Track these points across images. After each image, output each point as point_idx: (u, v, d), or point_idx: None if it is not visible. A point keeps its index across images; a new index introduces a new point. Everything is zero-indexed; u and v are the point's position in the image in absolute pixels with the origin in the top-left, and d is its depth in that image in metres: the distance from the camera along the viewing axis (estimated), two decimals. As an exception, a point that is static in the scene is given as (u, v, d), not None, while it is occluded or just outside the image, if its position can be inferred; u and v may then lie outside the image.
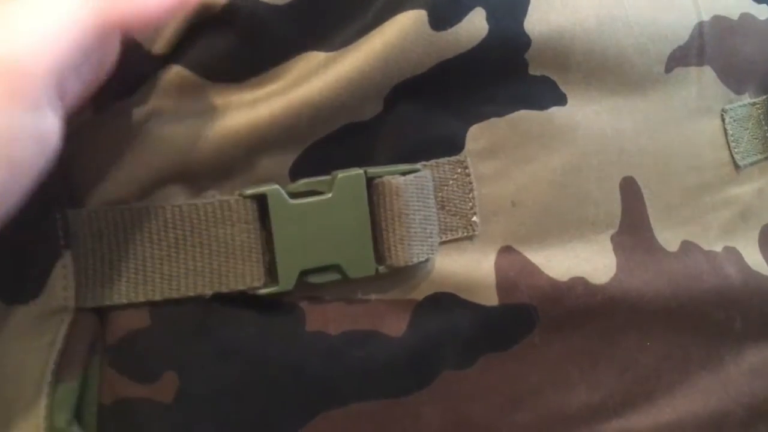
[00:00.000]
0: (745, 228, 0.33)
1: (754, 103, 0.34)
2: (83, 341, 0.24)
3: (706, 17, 0.32)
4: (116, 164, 0.24)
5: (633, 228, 0.30)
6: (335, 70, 0.25)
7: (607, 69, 0.29)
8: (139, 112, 0.24)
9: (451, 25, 0.25)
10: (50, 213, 0.24)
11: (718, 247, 0.32)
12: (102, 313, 0.24)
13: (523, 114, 0.27)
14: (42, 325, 0.23)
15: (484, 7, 0.26)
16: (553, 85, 0.28)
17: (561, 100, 0.28)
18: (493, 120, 0.27)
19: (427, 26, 0.25)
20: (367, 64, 0.25)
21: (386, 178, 0.25)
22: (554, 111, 0.28)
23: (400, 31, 0.25)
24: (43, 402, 0.23)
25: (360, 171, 0.25)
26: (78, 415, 0.24)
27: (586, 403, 0.29)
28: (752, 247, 0.33)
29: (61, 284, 0.24)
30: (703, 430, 0.31)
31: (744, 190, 0.33)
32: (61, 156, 0.21)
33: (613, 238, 0.29)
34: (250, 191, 0.24)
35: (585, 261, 0.29)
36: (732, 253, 0.32)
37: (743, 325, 0.32)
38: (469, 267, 0.27)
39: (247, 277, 0.24)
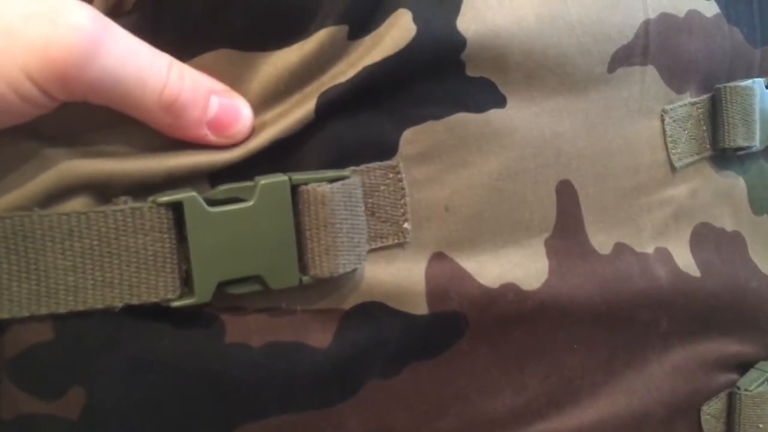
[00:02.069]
0: (677, 229, 0.33)
1: (694, 103, 0.33)
2: None
3: (653, 15, 0.31)
4: (18, 169, 0.22)
5: (567, 232, 0.29)
6: (258, 81, 0.23)
7: (548, 69, 0.28)
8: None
9: (370, 32, 0.24)
10: None
11: (650, 249, 0.32)
12: (1, 325, 0.22)
13: (461, 117, 0.26)
14: None
15: (409, 8, 0.24)
16: (492, 87, 0.26)
17: (500, 102, 0.27)
18: (430, 123, 0.25)
19: (344, 38, 0.23)
20: (284, 76, 0.23)
21: (312, 186, 0.23)
22: (492, 113, 0.26)
23: (316, 44, 0.23)
24: None
25: (284, 177, 0.23)
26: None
27: (510, 406, 0.28)
28: (683, 247, 0.33)
29: None
30: (624, 430, 0.31)
31: (678, 191, 0.33)
32: None
33: (546, 242, 0.28)
34: (164, 198, 0.22)
35: (517, 266, 0.28)
36: (663, 254, 0.32)
37: (669, 325, 0.32)
38: (399, 276, 0.25)
39: (161, 289, 0.22)
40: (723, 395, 0.35)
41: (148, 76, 0.22)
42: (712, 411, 0.35)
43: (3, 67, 0.20)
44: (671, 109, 0.32)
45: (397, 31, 0.24)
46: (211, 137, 0.23)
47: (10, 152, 0.22)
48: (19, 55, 0.20)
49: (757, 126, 0.34)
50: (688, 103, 0.33)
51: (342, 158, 0.24)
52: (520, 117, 0.27)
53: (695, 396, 0.34)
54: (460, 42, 0.25)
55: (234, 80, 0.23)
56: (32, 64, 0.20)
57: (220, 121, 0.23)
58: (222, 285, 0.23)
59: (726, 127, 0.33)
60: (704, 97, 0.33)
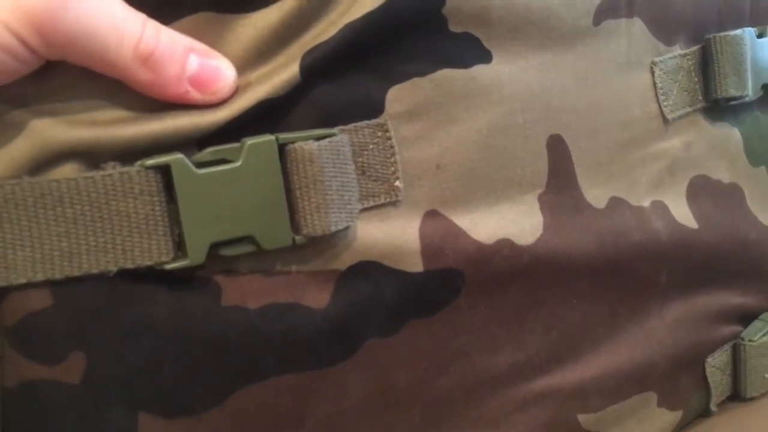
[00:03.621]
0: (673, 182, 0.32)
1: (684, 55, 0.33)
2: None
3: None
4: (3, 140, 0.22)
5: (560, 187, 0.28)
6: (239, 43, 0.23)
7: (532, 23, 0.27)
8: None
9: None
10: None
11: (645, 202, 0.31)
12: None
13: (446, 73, 0.25)
14: None
15: None
16: (476, 43, 0.26)
17: (485, 57, 0.26)
18: (415, 80, 0.25)
19: None
20: (265, 36, 0.23)
21: (299, 144, 0.23)
22: (478, 69, 0.26)
23: (295, 2, 0.23)
24: None
25: (271, 137, 0.23)
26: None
27: (511, 363, 0.28)
28: (679, 200, 0.32)
29: None
30: (628, 383, 0.31)
31: (672, 143, 0.32)
32: None
33: (540, 198, 0.28)
34: (151, 161, 0.22)
35: (511, 222, 0.27)
36: (659, 207, 0.31)
37: (668, 278, 0.32)
38: (393, 234, 0.25)
39: (154, 252, 0.22)
40: (727, 347, 0.34)
41: (123, 28, 0.21)
42: (716, 363, 0.34)
43: None
44: (661, 61, 0.31)
45: None
46: (194, 94, 0.22)
47: None
48: None
49: (749, 75, 0.33)
50: (678, 54, 0.32)
51: (329, 119, 0.24)
52: (507, 72, 0.27)
53: (698, 348, 0.33)
54: None
55: (215, 43, 0.23)
56: (7, 11, 0.20)
57: (202, 77, 0.22)
58: (215, 247, 0.23)
59: (717, 78, 0.33)
60: (694, 48, 0.33)
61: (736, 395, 0.35)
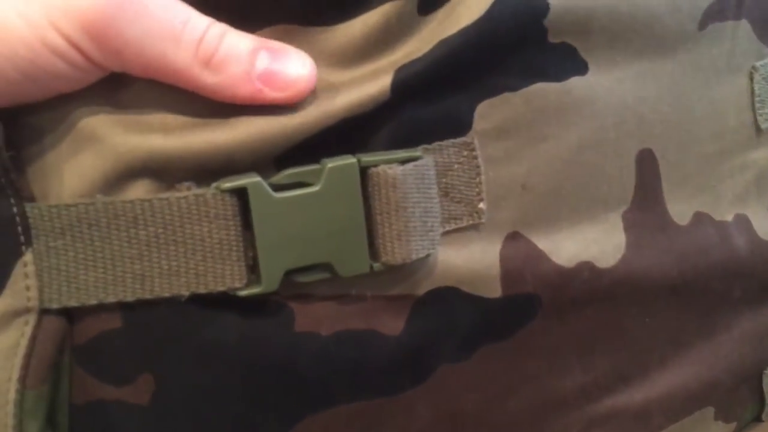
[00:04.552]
0: (758, 193, 0.30)
1: (786, 57, 0.30)
2: (51, 343, 0.21)
3: None
4: (76, 155, 0.20)
5: (645, 204, 0.27)
6: (320, 56, 0.21)
7: (634, 30, 0.24)
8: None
9: (442, 5, 0.21)
10: (6, 208, 0.20)
11: (729, 216, 0.29)
12: (70, 313, 0.21)
13: (539, 87, 0.23)
14: (4, 327, 0.20)
15: None
16: (573, 52, 0.24)
17: (581, 68, 0.24)
18: (507, 95, 0.23)
19: (414, 11, 0.21)
20: (348, 50, 0.21)
21: (382, 168, 0.21)
22: (573, 81, 0.24)
23: (381, 17, 0.21)
24: (10, 410, 0.20)
25: (353, 159, 0.21)
26: (50, 420, 0.21)
27: (580, 384, 0.27)
28: (762, 212, 0.30)
29: (23, 284, 0.20)
30: (692, 401, 0.30)
31: (761, 154, 0.30)
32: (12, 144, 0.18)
33: (624, 216, 0.26)
34: (228, 184, 0.20)
35: (593, 243, 0.26)
36: (742, 221, 0.30)
37: (742, 293, 0.30)
38: (473, 259, 0.23)
39: (227, 278, 0.21)
40: None
41: (181, 31, 0.20)
42: None
43: (29, 16, 0.19)
44: (762, 66, 0.29)
45: (472, 1, 0.21)
46: (267, 92, 0.20)
47: (68, 131, 0.21)
48: (42, 1, 0.19)
49: None
50: None
51: (413, 135, 0.22)
52: (602, 84, 0.24)
53: (762, 362, 0.32)
54: (543, 7, 0.22)
55: None
56: (59, 16, 0.19)
57: (274, 73, 0.20)
58: (290, 273, 0.21)
59: (818, 84, 0.30)
60: None
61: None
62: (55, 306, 0.21)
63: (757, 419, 0.34)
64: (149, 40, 0.20)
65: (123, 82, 0.21)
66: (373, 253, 0.22)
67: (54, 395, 0.21)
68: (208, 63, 0.20)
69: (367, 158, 0.21)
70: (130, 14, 0.19)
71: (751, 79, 0.29)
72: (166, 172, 0.21)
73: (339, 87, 0.22)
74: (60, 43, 0.19)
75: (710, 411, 0.31)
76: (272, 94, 0.21)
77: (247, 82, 0.20)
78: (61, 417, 0.22)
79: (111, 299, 0.21)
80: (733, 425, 0.33)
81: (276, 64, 0.21)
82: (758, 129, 0.29)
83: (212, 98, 0.21)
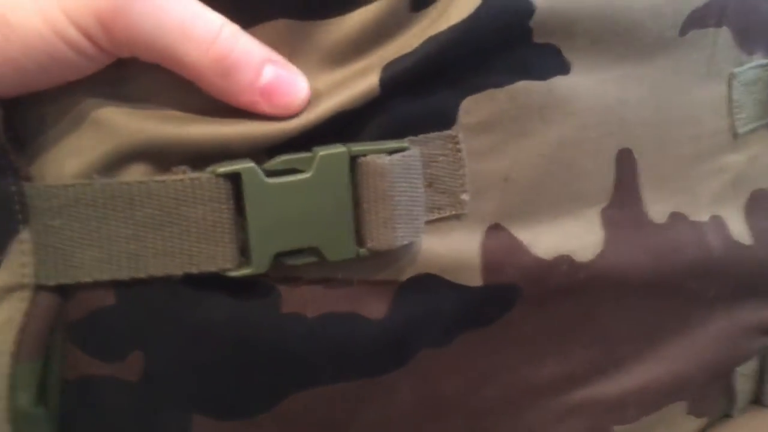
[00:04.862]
0: (734, 196, 0.31)
1: (764, 65, 0.31)
2: (45, 319, 0.21)
3: None
4: (76, 137, 0.21)
5: (624, 201, 0.27)
6: (316, 49, 0.22)
7: (617, 34, 0.25)
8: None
9: (433, 1, 0.22)
10: (4, 187, 0.21)
11: (705, 217, 0.30)
12: (64, 290, 0.22)
13: (523, 85, 0.24)
14: None
15: None
16: (557, 53, 0.24)
17: (564, 68, 0.25)
18: (491, 91, 0.24)
19: (406, 8, 0.22)
20: (343, 43, 0.21)
21: (371, 158, 0.22)
22: (556, 81, 0.25)
23: (376, 12, 0.21)
24: (3, 383, 0.21)
25: (343, 148, 0.22)
26: (41, 394, 0.22)
27: (555, 374, 0.28)
28: (738, 214, 0.31)
29: (19, 261, 0.21)
30: (664, 394, 0.31)
31: (738, 158, 0.31)
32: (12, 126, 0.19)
33: (602, 213, 0.27)
34: (223, 169, 0.21)
35: (572, 237, 0.26)
36: (718, 222, 0.31)
37: (716, 292, 0.31)
38: (455, 248, 0.24)
39: (219, 259, 0.22)
40: (756, 357, 0.34)
41: (193, 27, 0.20)
42: (745, 371, 0.34)
43: (43, 6, 0.19)
44: (740, 73, 0.30)
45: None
46: (263, 105, 0.21)
47: (70, 114, 0.21)
48: None
49: (827, 90, 0.32)
50: (757, 65, 0.30)
51: (401, 128, 0.23)
52: (584, 84, 0.25)
53: (734, 359, 0.33)
54: (528, 8, 0.23)
55: (291, 49, 0.22)
56: (72, 6, 0.20)
57: (274, 89, 0.21)
58: (279, 256, 0.22)
59: (794, 92, 0.31)
60: None
61: (756, 402, 0.36)
62: (50, 283, 0.21)
63: (728, 415, 0.35)
64: (160, 32, 0.20)
65: (127, 72, 0.21)
66: (360, 239, 0.23)
67: (46, 371, 0.22)
68: (219, 64, 0.21)
69: (356, 148, 0.22)
70: (143, 6, 0.20)
71: (730, 85, 0.30)
72: (163, 156, 0.21)
73: (333, 86, 0.22)
74: (74, 33, 0.20)
75: (683, 405, 0.32)
76: (268, 109, 0.22)
77: (250, 91, 0.21)
78: (52, 393, 0.22)
79: (105, 277, 0.21)
80: (704, 420, 0.34)
81: (278, 81, 0.21)
82: (735, 134, 0.30)
83: (213, 96, 0.22)
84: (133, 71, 0.21)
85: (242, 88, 0.21)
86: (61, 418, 0.22)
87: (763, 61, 0.31)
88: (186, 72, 0.21)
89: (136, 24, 0.20)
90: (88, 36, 0.20)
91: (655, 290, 0.29)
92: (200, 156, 0.21)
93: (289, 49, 0.22)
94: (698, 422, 0.33)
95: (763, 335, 0.35)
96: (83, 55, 0.20)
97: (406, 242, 0.23)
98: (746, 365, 0.34)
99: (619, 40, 0.26)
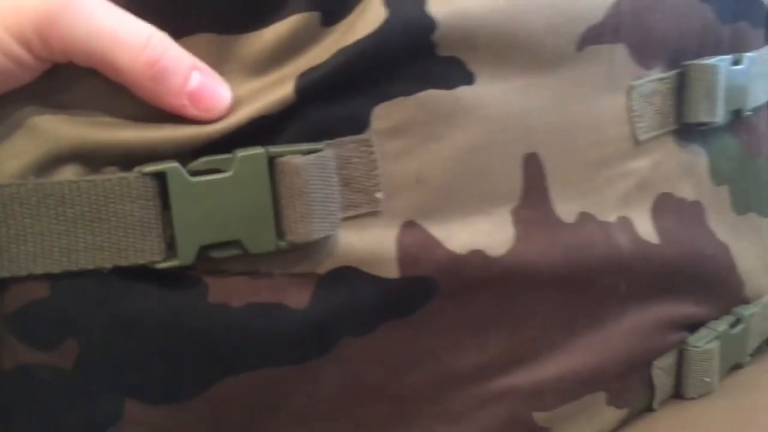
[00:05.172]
0: (640, 198, 0.34)
1: (662, 79, 0.33)
2: None
3: None
4: (12, 143, 0.23)
5: (532, 201, 0.30)
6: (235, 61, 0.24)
7: (516, 48, 0.28)
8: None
9: (343, 18, 0.24)
10: None
11: (612, 218, 0.32)
12: (1, 283, 0.23)
13: (430, 93, 0.26)
14: None
15: None
16: (460, 65, 0.27)
17: (468, 79, 0.27)
18: (401, 99, 0.26)
19: (317, 23, 0.24)
20: (260, 55, 0.23)
21: (287, 158, 0.24)
22: (461, 90, 0.27)
23: (290, 27, 0.24)
24: None
25: (261, 150, 0.24)
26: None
27: (475, 363, 0.29)
28: (644, 216, 0.34)
29: None
30: (581, 384, 0.33)
31: (642, 163, 0.33)
32: None
33: (513, 212, 0.29)
34: (149, 169, 0.23)
35: (485, 234, 0.28)
36: (625, 223, 0.33)
37: (628, 289, 0.33)
38: (372, 242, 0.26)
39: (147, 252, 0.23)
40: (674, 351, 0.36)
41: (126, 33, 0.22)
42: (662, 365, 0.36)
43: None
44: (638, 85, 0.32)
45: (369, 15, 0.24)
46: (190, 109, 0.23)
47: (7, 122, 0.23)
48: None
49: (720, 102, 0.34)
50: (655, 78, 0.33)
51: (317, 134, 0.25)
52: (489, 93, 0.28)
53: (649, 353, 0.35)
54: (430, 25, 0.25)
55: (214, 62, 0.24)
56: (9, 17, 0.21)
57: (200, 94, 0.23)
58: (204, 249, 0.24)
59: (690, 103, 0.34)
60: (671, 73, 0.34)
61: (678, 395, 0.38)
62: None
63: (650, 408, 0.37)
64: (94, 38, 0.22)
65: (60, 81, 0.23)
66: (280, 233, 0.25)
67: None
68: (150, 68, 0.23)
69: (274, 149, 0.24)
70: (75, 14, 0.22)
71: (629, 96, 0.32)
72: (94, 159, 0.23)
73: (252, 94, 0.24)
74: (14, 45, 0.21)
75: (602, 396, 0.34)
76: (194, 112, 0.24)
77: (179, 95, 0.23)
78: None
79: (39, 271, 0.23)
80: (625, 411, 0.35)
81: (204, 87, 0.24)
82: (636, 141, 0.33)
83: (143, 99, 0.23)
84: (65, 80, 0.23)
85: (172, 91, 0.23)
86: (-2, 407, 0.24)
87: (661, 75, 0.34)
88: (119, 76, 0.23)
89: (71, 31, 0.22)
90: (27, 46, 0.22)
91: (568, 285, 0.31)
92: (129, 158, 0.23)
93: (212, 61, 0.24)
94: (619, 413, 0.35)
95: (679, 330, 0.37)
96: (21, 65, 0.22)
97: (323, 235, 0.25)
98: (663, 360, 0.36)
99: (519, 54, 0.28)
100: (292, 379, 0.26)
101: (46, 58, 0.22)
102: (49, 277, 0.23)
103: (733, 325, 0.38)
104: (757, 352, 0.42)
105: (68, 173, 0.23)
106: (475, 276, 0.28)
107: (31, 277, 0.23)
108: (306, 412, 0.26)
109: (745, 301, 0.39)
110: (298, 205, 0.24)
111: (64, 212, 0.23)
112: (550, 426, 0.32)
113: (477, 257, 0.28)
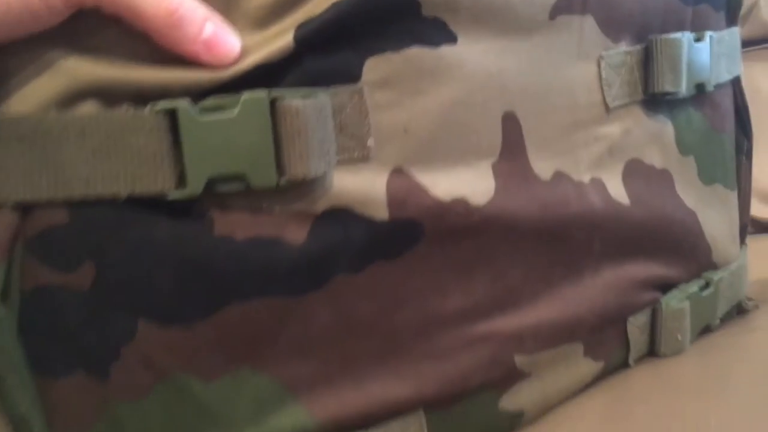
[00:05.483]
0: (611, 162, 0.36)
1: (628, 52, 0.36)
2: (6, 231, 0.25)
3: None
4: (36, 80, 0.25)
5: (511, 157, 0.32)
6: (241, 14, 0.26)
7: (494, 13, 0.31)
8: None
9: None
10: None
11: (585, 178, 0.35)
12: (23, 209, 0.25)
13: (416, 50, 0.29)
14: None
15: None
16: (444, 26, 0.30)
17: (452, 39, 0.30)
18: (389, 54, 0.28)
19: None
20: (264, 8, 0.26)
21: (288, 100, 0.26)
22: (445, 49, 0.30)
23: None
24: None
25: (264, 93, 0.26)
26: (4, 297, 0.25)
27: (459, 306, 0.31)
28: (616, 179, 0.36)
29: None
30: (559, 332, 0.35)
31: (612, 129, 0.36)
32: None
33: (493, 165, 0.32)
34: (162, 105, 0.25)
35: (467, 184, 0.31)
36: (597, 184, 0.35)
37: (601, 246, 0.36)
38: (364, 185, 0.28)
39: (159, 183, 0.25)
40: (648, 310, 0.39)
41: None
42: (637, 323, 0.38)
43: None
44: (607, 56, 0.35)
45: None
46: (204, 55, 0.26)
47: (28, 59, 0.25)
48: None
49: (684, 75, 0.37)
50: (623, 51, 0.36)
51: (314, 82, 0.27)
52: (469, 53, 0.30)
53: (623, 309, 0.38)
54: None
55: (222, 16, 0.27)
56: None
57: (214, 42, 0.26)
58: (211, 183, 0.26)
59: (656, 75, 0.37)
60: (638, 47, 0.37)
61: (652, 353, 0.40)
62: (11, 200, 0.25)
63: (626, 364, 0.39)
64: None
65: (85, 25, 0.25)
66: (280, 170, 0.27)
67: (7, 278, 0.25)
68: (170, 17, 0.25)
69: (275, 93, 0.26)
70: None
71: (599, 65, 0.35)
72: (111, 95, 0.25)
73: (257, 45, 0.27)
74: None
75: (579, 347, 0.36)
76: (207, 58, 0.26)
77: (194, 43, 0.26)
78: (13, 298, 0.25)
79: (59, 197, 0.25)
80: (601, 364, 0.37)
81: (217, 36, 0.26)
82: (607, 107, 0.36)
83: (162, 46, 0.26)
84: (90, 26, 0.25)
85: (188, 39, 0.25)
86: (18, 325, 0.26)
87: (628, 48, 0.36)
88: (141, 23, 0.25)
89: None
90: None
91: (545, 237, 0.33)
92: (144, 96, 0.26)
93: (219, 14, 0.27)
94: (596, 365, 0.37)
95: (652, 290, 0.39)
96: (51, 9, 0.24)
97: (320, 173, 0.27)
98: (637, 318, 0.38)
99: (497, 19, 0.31)
100: (289, 310, 0.28)
101: (74, 3, 0.24)
102: (68, 204, 0.25)
103: (702, 288, 0.41)
104: (727, 317, 0.44)
105: (87, 108, 0.25)
106: (458, 222, 0.30)
107: (52, 204, 0.25)
108: (302, 342, 0.28)
109: (714, 267, 0.42)
110: (297, 144, 0.26)
111: (84, 144, 0.25)
112: (530, 371, 0.34)
113: (459, 205, 0.30)
